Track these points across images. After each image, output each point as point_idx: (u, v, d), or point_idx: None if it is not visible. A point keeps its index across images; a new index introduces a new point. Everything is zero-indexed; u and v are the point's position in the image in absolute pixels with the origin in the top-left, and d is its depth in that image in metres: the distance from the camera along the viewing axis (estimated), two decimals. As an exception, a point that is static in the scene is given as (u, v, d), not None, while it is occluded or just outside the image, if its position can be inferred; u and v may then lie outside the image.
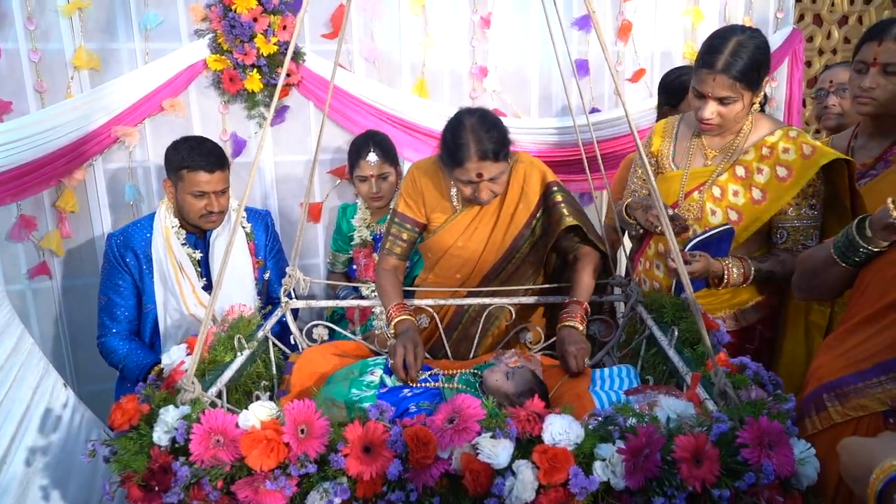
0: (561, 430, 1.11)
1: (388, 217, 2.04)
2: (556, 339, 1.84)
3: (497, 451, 1.08)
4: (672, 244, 1.35)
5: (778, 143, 1.83)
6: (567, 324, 1.82)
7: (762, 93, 1.82)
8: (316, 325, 2.03)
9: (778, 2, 3.22)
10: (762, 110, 2.01)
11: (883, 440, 0.90)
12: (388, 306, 1.90)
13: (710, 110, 1.79)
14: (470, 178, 1.79)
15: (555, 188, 1.95)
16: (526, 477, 1.07)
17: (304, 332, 2.03)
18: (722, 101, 1.77)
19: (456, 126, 1.79)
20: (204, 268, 2.25)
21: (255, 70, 2.60)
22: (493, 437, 1.10)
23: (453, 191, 1.96)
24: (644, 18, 3.10)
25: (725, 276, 1.83)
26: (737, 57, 1.71)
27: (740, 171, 1.86)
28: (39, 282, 2.58)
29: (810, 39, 3.60)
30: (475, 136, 1.75)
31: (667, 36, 3.16)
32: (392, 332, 1.85)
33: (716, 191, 1.89)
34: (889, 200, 1.31)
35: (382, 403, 1.17)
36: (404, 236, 2.00)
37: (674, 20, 3.14)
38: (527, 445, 1.12)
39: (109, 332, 2.19)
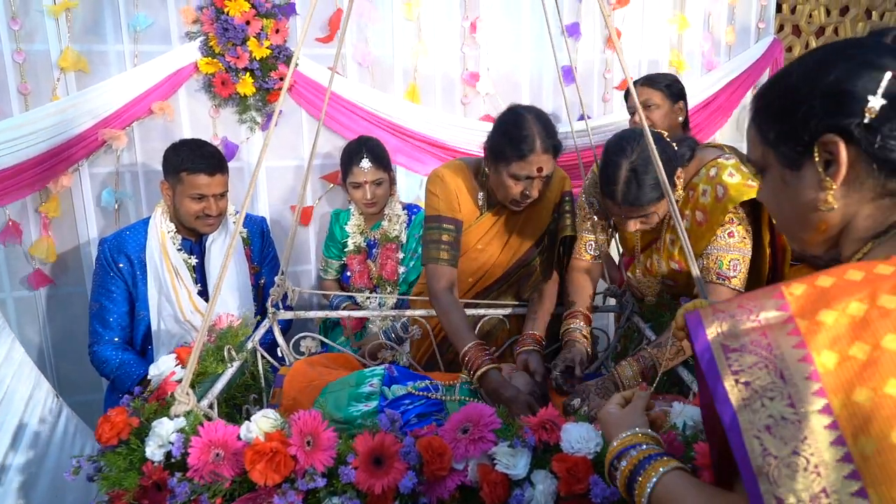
0: (579, 437, 1.07)
1: (424, 227, 1.90)
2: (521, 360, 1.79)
3: (515, 460, 1.05)
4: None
5: (698, 184, 1.73)
6: (529, 348, 1.79)
7: (679, 186, 1.70)
8: (304, 337, 1.98)
9: (759, 13, 3.30)
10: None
11: (627, 412, 0.93)
12: (461, 346, 1.67)
13: (633, 227, 1.70)
14: (529, 173, 1.72)
15: (567, 198, 1.96)
16: (545, 487, 1.04)
17: (291, 345, 1.97)
18: (639, 217, 1.68)
19: (519, 119, 1.73)
20: (199, 273, 2.20)
21: (247, 73, 2.55)
22: (510, 446, 1.06)
23: (480, 193, 1.92)
24: (631, 27, 3.13)
25: (619, 381, 1.62)
26: (631, 185, 1.59)
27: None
28: (22, 290, 2.50)
29: (790, 49, 3.68)
30: (540, 130, 1.70)
31: (653, 44, 3.19)
32: (476, 385, 1.63)
33: (660, 242, 1.86)
34: None
35: (393, 413, 1.13)
36: (450, 239, 1.85)
37: (660, 28, 3.18)
38: (543, 455, 1.09)
39: (102, 340, 2.11)
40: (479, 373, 1.60)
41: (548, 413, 1.13)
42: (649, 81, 2.43)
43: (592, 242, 1.94)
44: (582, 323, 1.82)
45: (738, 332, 0.66)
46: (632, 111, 2.34)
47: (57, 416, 1.74)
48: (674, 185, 1.67)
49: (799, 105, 0.75)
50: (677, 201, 1.74)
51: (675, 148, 1.68)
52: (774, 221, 0.85)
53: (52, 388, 1.88)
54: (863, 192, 0.74)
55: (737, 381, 0.64)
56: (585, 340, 1.77)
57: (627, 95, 2.43)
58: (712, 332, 0.68)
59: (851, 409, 0.59)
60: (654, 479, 0.78)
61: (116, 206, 2.57)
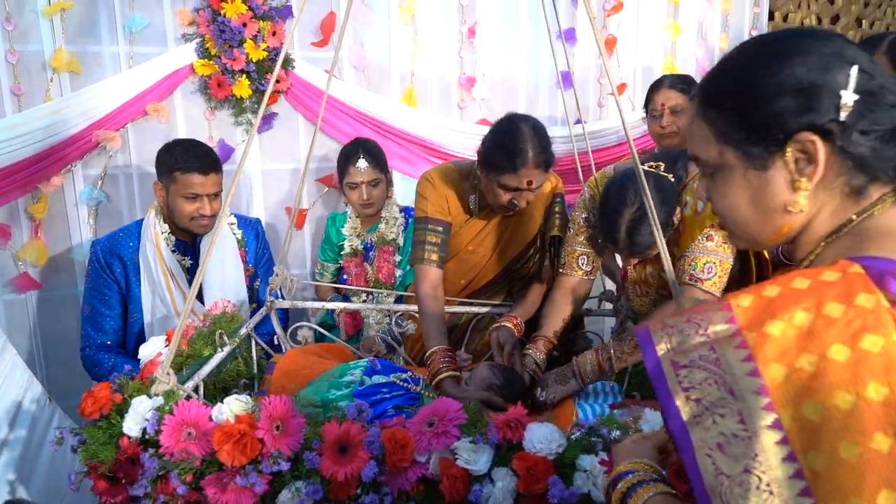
0: (542, 438, 1.06)
1: (415, 228, 1.92)
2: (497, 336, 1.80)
3: (476, 456, 1.04)
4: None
5: (684, 195, 1.70)
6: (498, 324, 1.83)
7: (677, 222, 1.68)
8: (301, 327, 2.00)
9: (752, 20, 3.31)
10: None
11: (637, 444, 0.90)
12: (427, 349, 1.73)
13: (632, 263, 1.69)
14: (519, 185, 1.72)
15: (558, 199, 1.96)
16: (505, 484, 1.03)
17: (288, 334, 1.99)
18: (638, 256, 1.67)
19: (514, 131, 1.72)
20: (193, 275, 2.19)
21: (243, 76, 2.57)
22: (472, 442, 1.05)
23: (471, 196, 1.92)
24: (626, 33, 3.13)
25: (577, 370, 1.64)
26: (633, 235, 1.57)
27: None
28: (11, 293, 2.48)
29: (782, 55, 3.69)
30: (535, 144, 1.70)
31: (648, 51, 3.20)
32: (436, 393, 1.64)
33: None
34: None
35: (361, 403, 1.14)
36: (438, 240, 1.87)
37: (654, 35, 3.18)
38: (506, 453, 1.09)
39: (94, 344, 2.11)
40: (435, 380, 1.63)
41: (515, 412, 1.12)
42: (672, 86, 2.34)
43: (585, 257, 1.87)
44: (540, 352, 1.75)
45: (686, 347, 0.65)
46: (657, 115, 2.32)
47: (49, 419, 1.74)
48: (672, 225, 1.65)
49: (765, 102, 0.71)
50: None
51: (673, 178, 1.64)
52: (723, 221, 0.83)
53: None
54: (830, 190, 0.72)
55: (688, 398, 0.63)
56: (536, 368, 1.72)
57: (649, 100, 2.40)
58: (662, 348, 0.66)
59: (801, 424, 0.57)
60: (642, 501, 0.77)
61: (95, 206, 2.54)
